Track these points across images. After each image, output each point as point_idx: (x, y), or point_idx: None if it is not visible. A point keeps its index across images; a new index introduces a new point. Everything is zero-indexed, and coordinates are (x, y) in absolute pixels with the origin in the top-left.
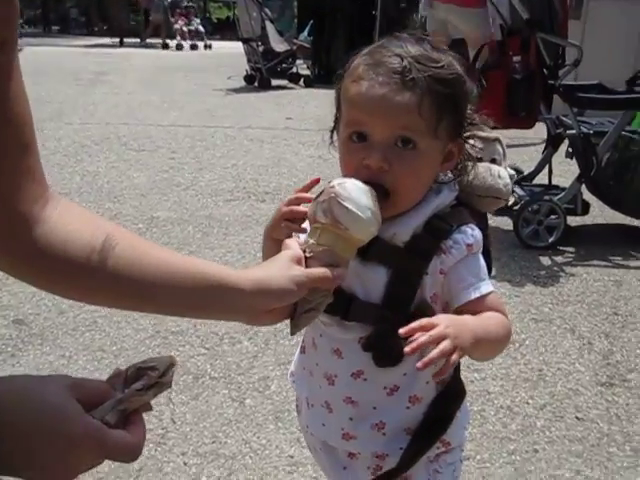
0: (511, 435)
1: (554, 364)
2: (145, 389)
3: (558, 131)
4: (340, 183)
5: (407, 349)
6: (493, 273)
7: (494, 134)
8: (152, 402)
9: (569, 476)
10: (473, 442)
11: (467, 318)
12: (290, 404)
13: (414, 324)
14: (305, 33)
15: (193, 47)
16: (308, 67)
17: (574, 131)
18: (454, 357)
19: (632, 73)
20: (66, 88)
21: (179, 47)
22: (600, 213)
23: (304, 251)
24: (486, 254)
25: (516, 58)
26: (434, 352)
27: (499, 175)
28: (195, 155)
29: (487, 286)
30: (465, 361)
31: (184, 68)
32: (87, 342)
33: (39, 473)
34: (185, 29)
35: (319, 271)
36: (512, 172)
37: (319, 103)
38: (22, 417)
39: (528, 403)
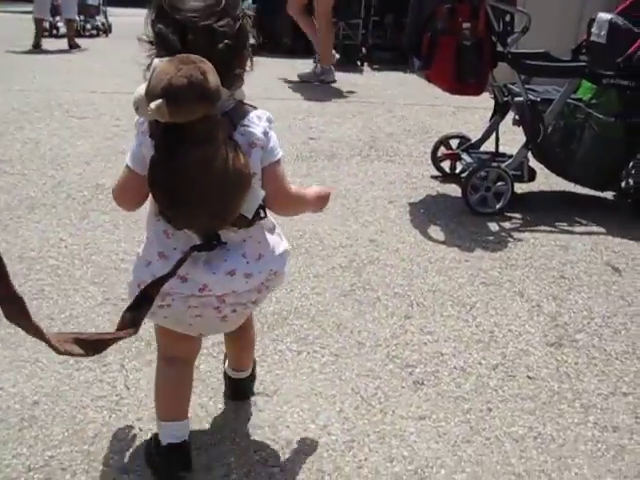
0: (465, 395)
1: (505, 326)
2: None
3: (505, 99)
4: None
5: None
6: (442, 238)
7: None
8: (103, 370)
9: (522, 432)
10: (428, 402)
11: None
12: None
13: None
14: (249, 0)
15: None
16: (253, 36)
17: (521, 98)
18: None
19: (573, 42)
20: (1, 54)
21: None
22: (545, 181)
23: None
24: None
25: (465, 25)
26: None
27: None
28: None
29: None
30: (418, 324)
31: (125, 35)
32: (34, 310)
33: None
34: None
35: None
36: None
37: (264, 72)
38: None
39: (481, 363)
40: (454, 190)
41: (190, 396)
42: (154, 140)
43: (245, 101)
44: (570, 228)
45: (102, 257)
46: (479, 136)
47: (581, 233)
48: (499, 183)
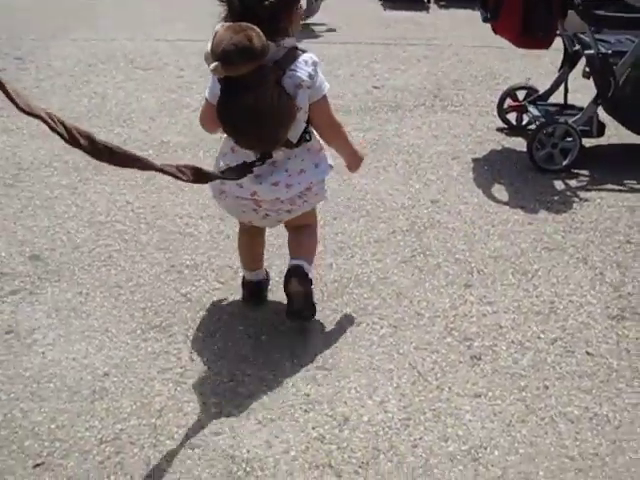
0: (522, 371)
1: (566, 296)
2: None
3: (575, 49)
4: None
5: None
6: (506, 199)
7: None
8: (169, 341)
9: (578, 413)
10: (485, 379)
11: None
12: (305, 339)
13: None
14: None
15: None
16: None
17: (592, 51)
18: None
19: None
20: (66, 0)
21: None
22: (615, 132)
23: None
24: None
25: None
26: None
27: None
28: (203, 73)
29: None
30: (478, 294)
31: None
32: (104, 278)
33: None
34: None
35: None
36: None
37: (329, 11)
38: None
39: (540, 337)
40: (520, 144)
41: (262, 252)
42: (220, 85)
43: (313, 42)
44: (639, 187)
45: (167, 221)
46: (547, 86)
47: None
48: (566, 139)
